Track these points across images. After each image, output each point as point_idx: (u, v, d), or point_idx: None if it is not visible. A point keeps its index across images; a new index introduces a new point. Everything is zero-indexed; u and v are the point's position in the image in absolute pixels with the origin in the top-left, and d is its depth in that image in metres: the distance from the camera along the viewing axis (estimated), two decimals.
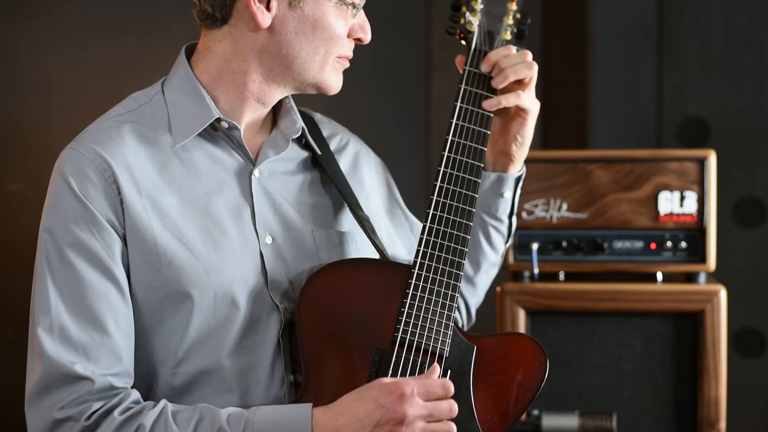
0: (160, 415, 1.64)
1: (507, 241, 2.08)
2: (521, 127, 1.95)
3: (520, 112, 1.94)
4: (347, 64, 1.81)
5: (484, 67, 1.91)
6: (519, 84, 1.91)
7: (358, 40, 1.81)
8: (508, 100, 1.90)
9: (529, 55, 1.92)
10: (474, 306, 2.09)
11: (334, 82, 1.80)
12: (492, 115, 1.89)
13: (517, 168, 2.01)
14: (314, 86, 1.79)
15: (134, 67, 3.23)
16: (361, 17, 1.80)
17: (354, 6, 1.77)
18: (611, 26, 3.31)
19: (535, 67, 1.91)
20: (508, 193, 2.01)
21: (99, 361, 1.66)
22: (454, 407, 1.65)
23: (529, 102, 1.93)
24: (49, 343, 1.65)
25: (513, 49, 1.92)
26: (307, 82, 1.78)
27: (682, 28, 3.29)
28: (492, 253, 2.06)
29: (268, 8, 1.73)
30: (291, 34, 1.74)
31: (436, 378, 1.67)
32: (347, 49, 1.80)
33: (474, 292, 2.08)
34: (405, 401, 1.62)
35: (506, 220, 2.04)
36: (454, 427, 1.65)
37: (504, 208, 2.03)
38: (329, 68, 1.78)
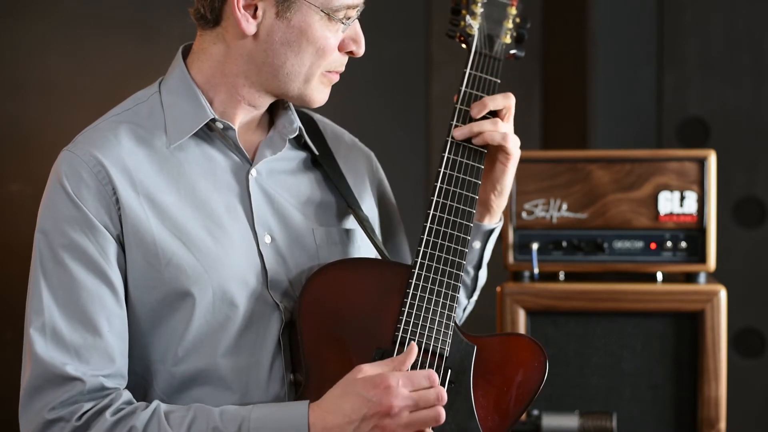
0: (153, 415, 1.64)
1: (471, 296, 1.99)
2: (502, 175, 1.87)
3: (501, 156, 1.85)
4: (336, 79, 1.79)
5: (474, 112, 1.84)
6: (496, 116, 1.85)
7: (350, 53, 1.78)
8: (481, 126, 1.81)
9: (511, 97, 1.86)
10: None
11: (317, 96, 1.77)
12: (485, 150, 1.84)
13: (494, 220, 1.93)
14: (297, 98, 1.77)
15: (134, 67, 3.23)
16: (354, 30, 1.77)
17: (345, 20, 1.74)
18: (611, 26, 3.31)
19: (512, 98, 1.85)
20: (476, 244, 1.93)
21: (90, 362, 1.65)
22: (442, 394, 1.62)
23: (510, 137, 1.84)
24: (41, 344, 1.65)
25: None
26: (291, 93, 1.76)
27: (682, 28, 3.29)
28: None
29: (254, 16, 1.72)
30: (277, 44, 1.72)
31: (411, 362, 1.64)
32: (338, 63, 1.77)
33: None
34: (390, 393, 1.59)
35: (472, 272, 1.96)
36: (442, 411, 1.61)
37: (471, 258, 1.94)
38: (315, 82, 1.76)
